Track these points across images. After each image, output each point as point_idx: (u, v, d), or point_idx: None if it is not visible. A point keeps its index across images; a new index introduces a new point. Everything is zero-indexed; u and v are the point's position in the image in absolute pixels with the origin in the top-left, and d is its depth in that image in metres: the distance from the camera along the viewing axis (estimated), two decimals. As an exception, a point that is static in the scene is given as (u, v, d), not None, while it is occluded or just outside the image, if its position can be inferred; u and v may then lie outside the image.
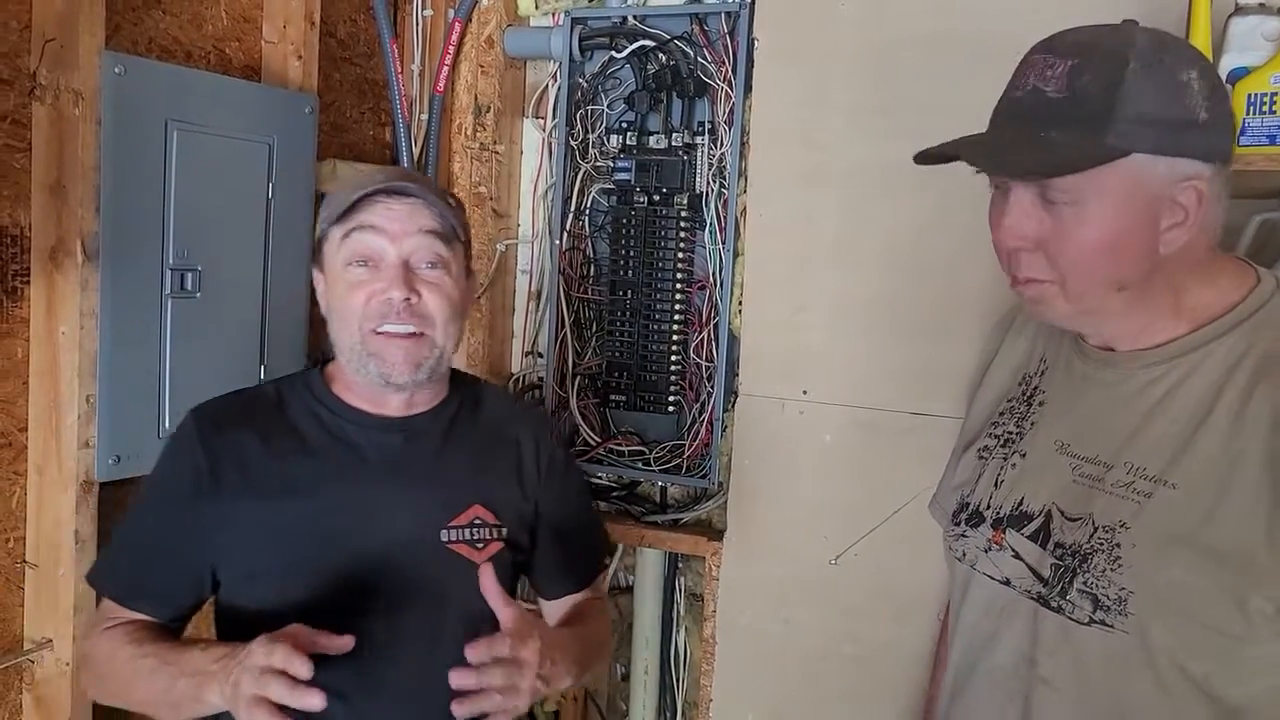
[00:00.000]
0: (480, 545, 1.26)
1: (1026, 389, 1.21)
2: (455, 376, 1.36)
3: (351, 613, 1.17)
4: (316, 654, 1.05)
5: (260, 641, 1.02)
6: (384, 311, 1.19)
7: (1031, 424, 1.16)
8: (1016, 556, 1.09)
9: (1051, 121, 0.97)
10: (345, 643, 1.06)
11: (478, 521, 1.27)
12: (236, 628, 1.17)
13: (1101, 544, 1.00)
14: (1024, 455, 1.15)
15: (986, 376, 1.29)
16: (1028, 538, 1.08)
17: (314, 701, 0.97)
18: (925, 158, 1.07)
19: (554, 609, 1.41)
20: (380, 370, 1.21)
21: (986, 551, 1.13)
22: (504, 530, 1.29)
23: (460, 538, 1.25)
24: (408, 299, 1.18)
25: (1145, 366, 1.03)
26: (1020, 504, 1.11)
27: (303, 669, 0.98)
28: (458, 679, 1.05)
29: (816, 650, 1.94)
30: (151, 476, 1.26)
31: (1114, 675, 1.00)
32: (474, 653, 1.05)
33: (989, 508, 1.15)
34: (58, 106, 1.43)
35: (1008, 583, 1.09)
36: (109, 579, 1.24)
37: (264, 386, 1.32)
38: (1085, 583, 1.01)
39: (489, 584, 1.11)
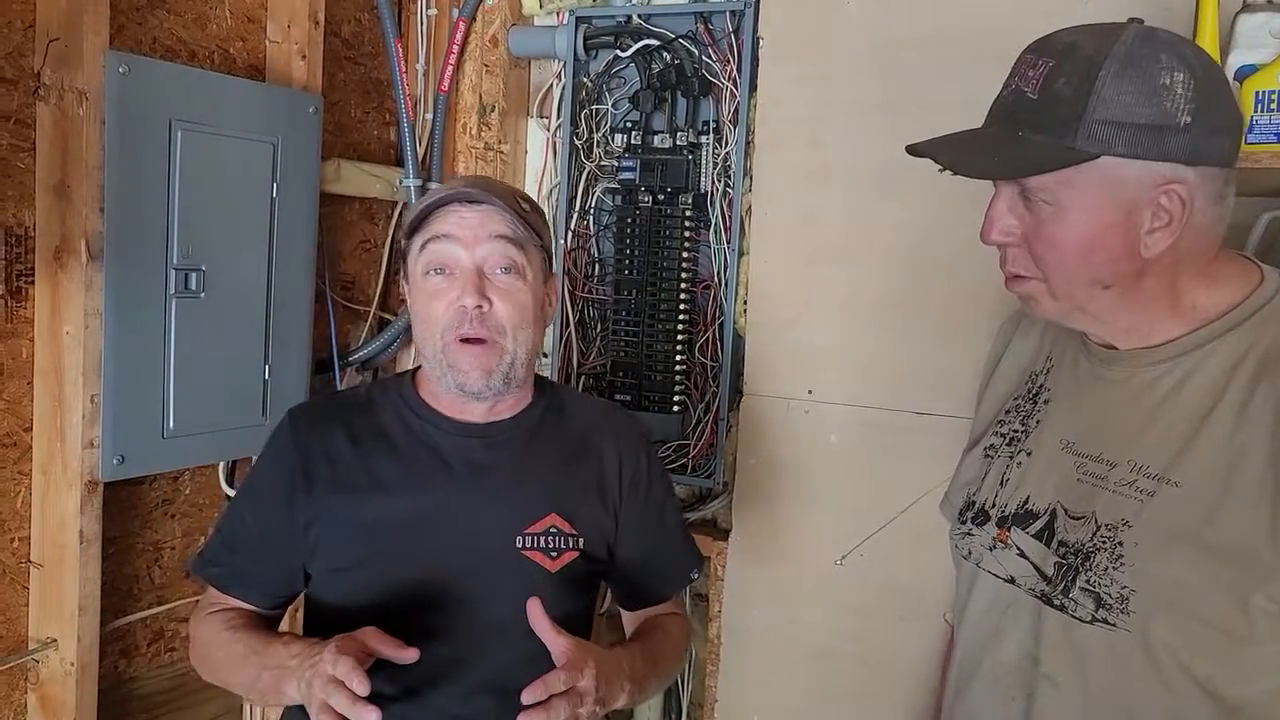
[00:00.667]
0: (555, 554, 1.26)
1: (1033, 387, 1.20)
2: (540, 382, 1.37)
3: (426, 611, 1.20)
4: (388, 663, 1.10)
5: (331, 649, 1.05)
6: (460, 319, 1.21)
7: (1037, 422, 1.16)
8: (1021, 555, 1.08)
9: (1026, 122, 0.98)
10: (410, 654, 1.08)
11: (553, 530, 1.27)
12: (321, 620, 1.23)
13: (1104, 542, 1.00)
14: (1029, 454, 1.14)
15: (994, 375, 1.29)
16: (1032, 536, 1.08)
17: (369, 717, 1.00)
18: (913, 150, 1.08)
19: (631, 619, 1.43)
20: (456, 380, 1.23)
21: (991, 550, 1.13)
22: (580, 541, 1.28)
23: (535, 545, 1.25)
24: (479, 306, 1.20)
25: (1148, 365, 1.03)
26: (1025, 502, 1.11)
27: (360, 686, 1.01)
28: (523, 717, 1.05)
29: (822, 650, 1.93)
30: (251, 472, 1.32)
31: (1116, 674, 0.99)
32: (530, 694, 1.06)
33: (994, 506, 1.15)
34: (62, 106, 1.43)
35: (1012, 581, 1.09)
36: (210, 567, 1.28)
37: (357, 389, 1.38)
38: (1088, 581, 1.00)
39: (537, 617, 1.12)
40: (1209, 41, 1.37)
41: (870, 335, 1.86)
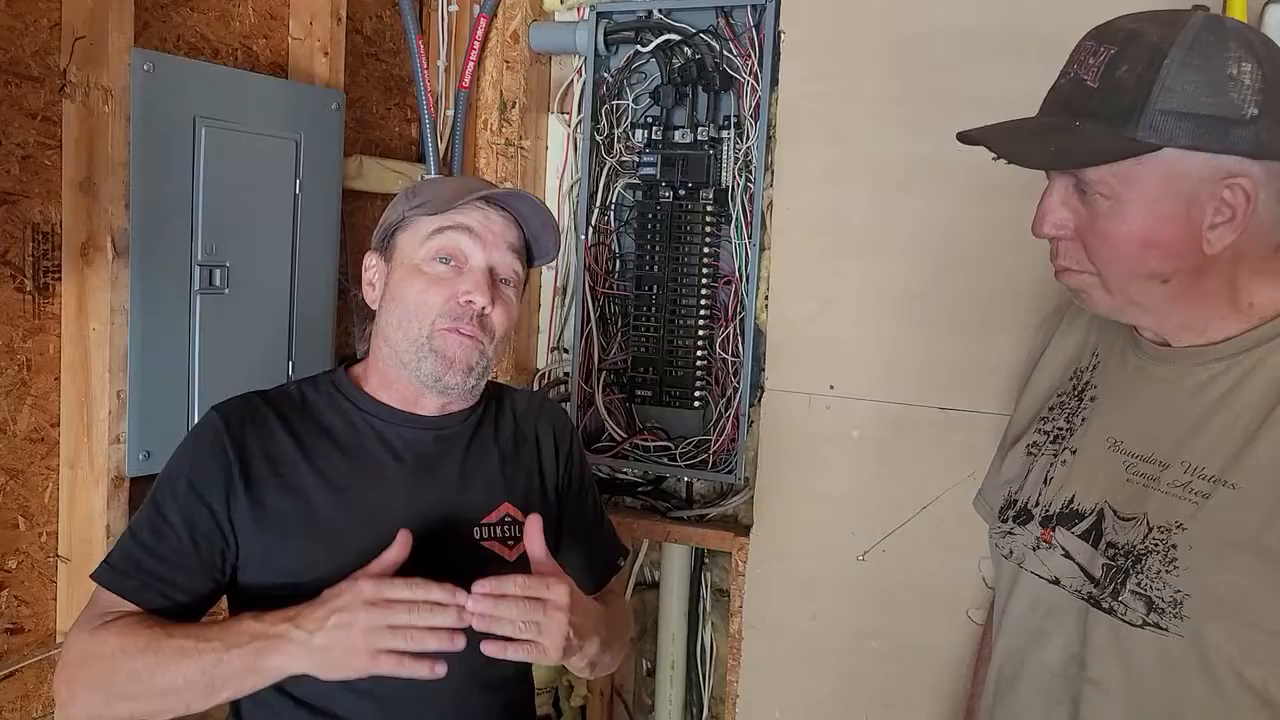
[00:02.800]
0: (511, 544, 1.27)
1: (1078, 384, 1.18)
2: None
3: None
4: None
5: (368, 577, 1.04)
6: (459, 315, 1.19)
7: (1083, 420, 1.14)
8: (1066, 555, 1.06)
9: (1084, 111, 0.95)
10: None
11: (508, 519, 1.28)
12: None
13: (1157, 545, 0.98)
14: (1074, 452, 1.12)
15: (1036, 371, 1.26)
16: (1078, 536, 1.06)
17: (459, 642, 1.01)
18: (964, 138, 1.05)
19: None
20: (436, 369, 1.20)
21: (1035, 550, 1.10)
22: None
23: (492, 535, 1.26)
24: (484, 309, 1.20)
25: (1204, 363, 1.01)
26: (1070, 502, 1.08)
27: (459, 595, 1.02)
28: (473, 603, 1.04)
29: (843, 646, 1.93)
30: (171, 473, 1.18)
31: (1167, 679, 0.97)
32: (480, 585, 1.05)
33: (1037, 505, 1.13)
34: (88, 104, 1.44)
35: (1056, 582, 1.07)
36: (125, 579, 1.13)
37: (285, 386, 1.29)
38: (1139, 584, 0.98)
39: (535, 532, 1.14)
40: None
41: (892, 330, 1.85)
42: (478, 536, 1.25)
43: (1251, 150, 0.91)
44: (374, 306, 1.27)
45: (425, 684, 1.13)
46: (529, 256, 1.30)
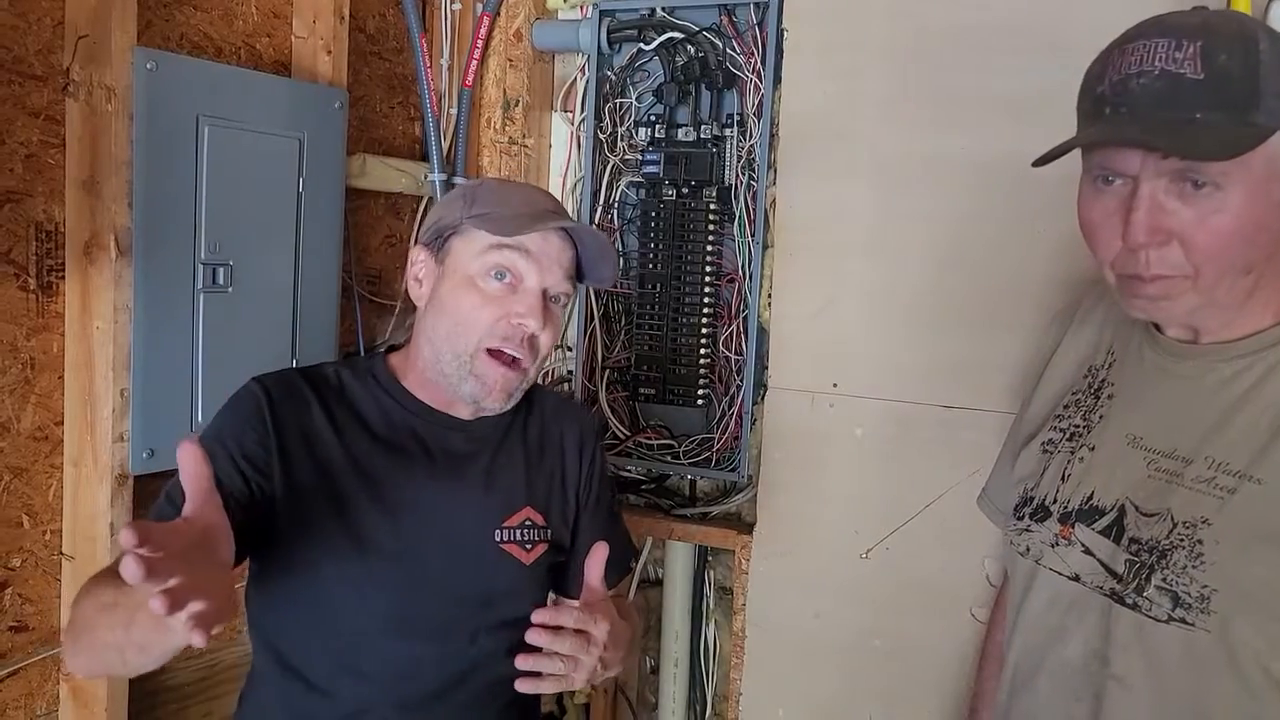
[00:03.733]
0: (529, 546, 1.28)
1: (1093, 381, 1.18)
2: None
3: (403, 599, 1.20)
4: (356, 649, 1.14)
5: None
6: (509, 334, 1.20)
7: (1100, 417, 1.14)
8: (1086, 551, 1.06)
9: (1197, 104, 0.92)
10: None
11: (528, 523, 1.29)
12: (278, 601, 1.19)
13: (1182, 540, 0.97)
14: (1092, 449, 1.12)
15: (1048, 369, 1.26)
16: (1099, 533, 1.06)
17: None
18: (1049, 157, 1.00)
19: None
20: (474, 392, 1.21)
21: (1054, 546, 1.10)
22: (550, 532, 1.32)
23: (512, 538, 1.27)
24: (534, 335, 1.21)
25: (1227, 360, 1.01)
26: (1090, 498, 1.08)
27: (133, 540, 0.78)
28: (532, 636, 1.06)
29: (847, 644, 1.93)
30: (215, 428, 1.18)
31: (1193, 674, 0.97)
32: (540, 616, 1.08)
33: (1055, 502, 1.13)
34: (91, 102, 1.44)
35: (1076, 578, 1.07)
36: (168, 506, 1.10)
37: (324, 368, 1.29)
38: (1165, 579, 0.98)
39: (599, 560, 1.16)
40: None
41: (896, 328, 1.85)
42: (498, 539, 1.27)
43: None
44: (419, 303, 1.26)
45: (434, 676, 1.14)
46: (579, 274, 1.29)
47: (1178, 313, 1.01)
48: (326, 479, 1.19)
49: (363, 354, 1.29)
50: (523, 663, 1.07)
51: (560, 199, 2.23)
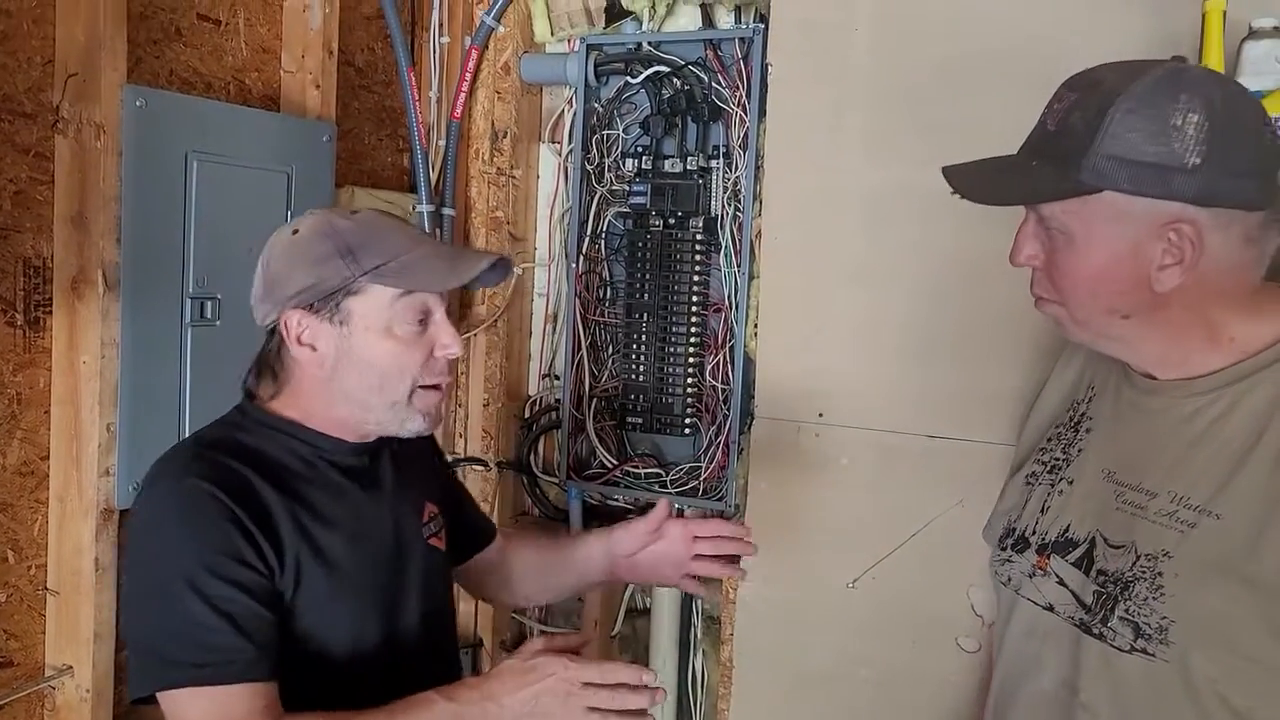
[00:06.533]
0: (440, 534, 1.36)
1: (1074, 415, 1.21)
2: None
3: (390, 624, 1.23)
4: (358, 667, 1.17)
5: (558, 658, 1.11)
6: (441, 368, 1.22)
7: (1079, 450, 1.16)
8: (1060, 583, 1.09)
9: (1042, 153, 1.02)
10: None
11: (432, 514, 1.35)
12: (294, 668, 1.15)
13: (1144, 572, 1.00)
14: (1071, 482, 1.15)
15: (1038, 401, 1.30)
16: (1072, 564, 1.08)
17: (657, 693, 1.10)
18: (944, 172, 1.10)
19: (474, 570, 1.52)
20: (415, 427, 1.22)
21: (1031, 577, 1.13)
22: (443, 518, 1.38)
23: (430, 531, 1.34)
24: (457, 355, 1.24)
25: (1188, 396, 1.03)
26: (1066, 530, 1.11)
27: (645, 676, 1.10)
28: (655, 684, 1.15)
29: (834, 674, 1.93)
30: (188, 551, 1.09)
31: (1155, 704, 0.99)
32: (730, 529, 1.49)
33: (1034, 533, 1.15)
34: (80, 139, 1.45)
35: (1051, 608, 1.09)
36: (231, 662, 1.06)
37: (214, 437, 1.21)
38: (1127, 610, 1.00)
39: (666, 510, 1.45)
40: (1215, 68, 1.37)
41: (881, 358, 1.86)
42: (425, 535, 1.33)
43: (1195, 197, 0.94)
44: (315, 368, 1.19)
45: (413, 675, 1.19)
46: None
47: (1077, 339, 1.10)
48: (303, 539, 1.16)
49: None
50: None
51: (549, 229, 2.26)
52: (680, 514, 1.38)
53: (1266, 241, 0.99)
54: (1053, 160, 0.99)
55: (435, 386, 1.22)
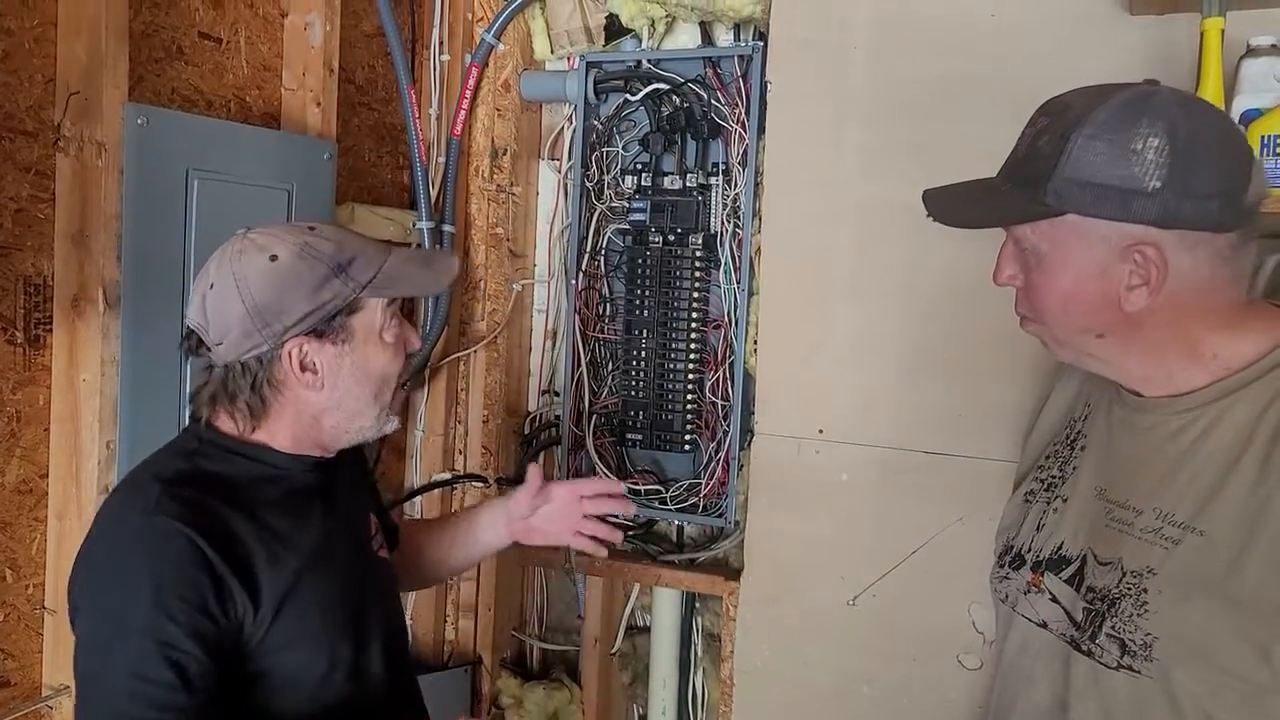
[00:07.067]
0: (384, 544, 1.38)
1: (1071, 433, 1.22)
2: None
3: (366, 641, 1.24)
4: (330, 690, 1.17)
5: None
6: (404, 367, 1.27)
7: (1074, 468, 1.17)
8: (1054, 600, 1.10)
9: (1013, 176, 1.04)
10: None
11: (376, 526, 1.38)
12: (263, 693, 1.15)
13: (1129, 589, 1.01)
14: (1065, 500, 1.16)
15: (1039, 419, 1.31)
16: (1065, 581, 1.09)
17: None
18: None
19: (408, 552, 1.54)
20: (393, 425, 1.27)
21: (1026, 594, 1.14)
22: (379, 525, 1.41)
23: (378, 543, 1.37)
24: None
25: (1175, 414, 1.04)
26: (1059, 548, 1.12)
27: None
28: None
29: (835, 691, 1.92)
30: (146, 594, 1.05)
31: None
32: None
33: (1029, 550, 1.17)
34: (81, 157, 1.45)
35: (1044, 625, 1.11)
36: (166, 710, 1.04)
37: (169, 468, 1.16)
38: (1113, 627, 1.01)
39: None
40: (1213, 86, 1.38)
41: (881, 375, 1.86)
42: (374, 546, 1.35)
43: (1156, 220, 0.95)
44: (311, 389, 1.18)
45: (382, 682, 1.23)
46: None
47: (1060, 357, 1.11)
48: (273, 567, 1.14)
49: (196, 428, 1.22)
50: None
51: (548, 246, 2.26)
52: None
53: (1239, 260, 1.00)
54: (1022, 183, 1.02)
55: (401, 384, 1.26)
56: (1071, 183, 0.97)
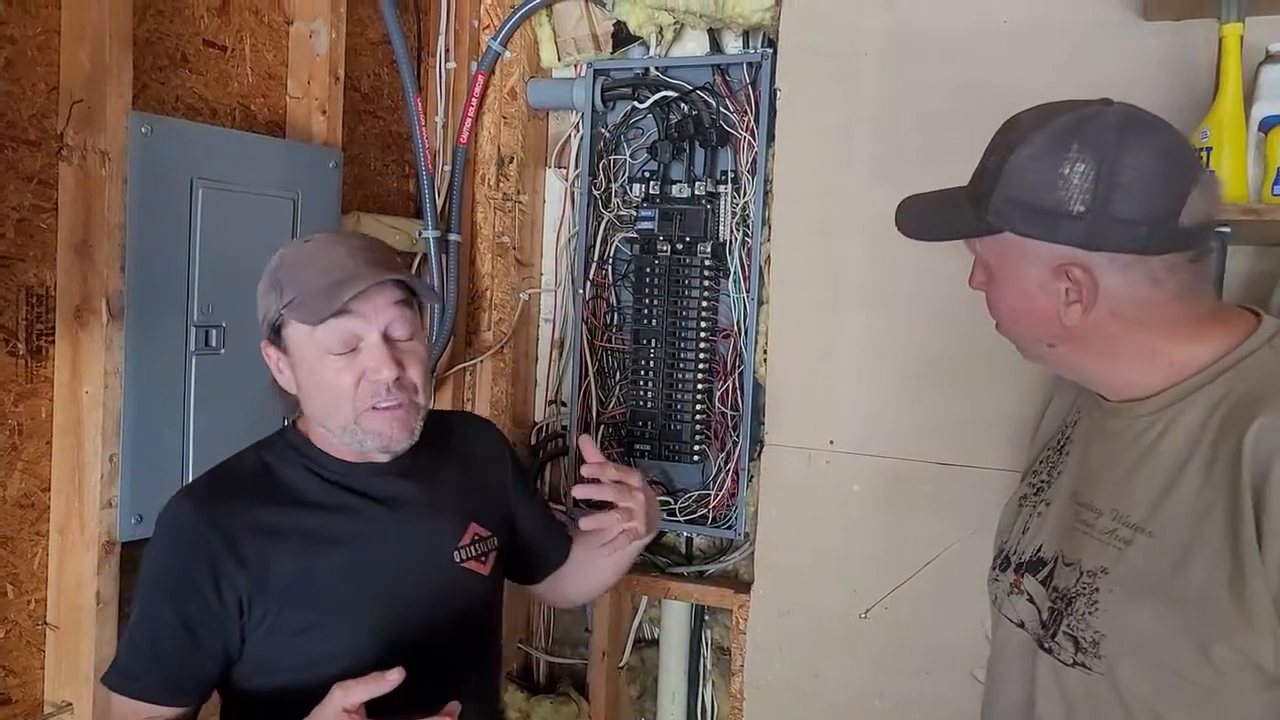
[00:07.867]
0: (485, 559, 1.35)
1: (1061, 439, 1.24)
2: None
3: (399, 647, 1.20)
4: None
5: (342, 686, 1.06)
6: (375, 391, 1.21)
7: (1059, 472, 1.20)
8: (1030, 600, 1.13)
9: (968, 190, 1.07)
10: (394, 675, 1.06)
11: (477, 537, 1.35)
12: (264, 703, 1.20)
13: (1084, 588, 1.05)
14: (1049, 503, 1.18)
15: (1040, 427, 1.33)
16: (1040, 582, 1.13)
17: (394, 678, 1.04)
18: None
19: (546, 586, 1.53)
20: (377, 444, 1.23)
21: (1009, 595, 1.17)
22: (495, 540, 1.38)
23: (469, 555, 1.33)
24: (397, 378, 1.21)
25: (1136, 418, 1.06)
26: (1038, 550, 1.15)
27: (394, 676, 1.05)
28: (580, 491, 1.30)
29: (846, 705, 1.89)
30: (155, 567, 1.20)
31: (1096, 717, 1.04)
32: (588, 470, 1.31)
33: (1015, 553, 1.20)
34: (85, 167, 1.44)
35: (1021, 625, 1.14)
36: (133, 682, 1.18)
37: (243, 456, 1.29)
38: (1069, 625, 1.05)
39: (592, 447, 1.35)
40: (1231, 93, 1.36)
41: (892, 385, 1.84)
42: (458, 560, 1.32)
43: (1080, 242, 0.98)
44: (291, 391, 1.26)
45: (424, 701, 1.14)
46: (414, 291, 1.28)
47: (1033, 361, 1.14)
48: (291, 558, 1.20)
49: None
50: (587, 524, 1.34)
51: (555, 254, 2.24)
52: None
53: (1175, 281, 0.99)
54: (972, 199, 1.05)
55: (378, 408, 1.21)
56: (1008, 201, 1.00)
